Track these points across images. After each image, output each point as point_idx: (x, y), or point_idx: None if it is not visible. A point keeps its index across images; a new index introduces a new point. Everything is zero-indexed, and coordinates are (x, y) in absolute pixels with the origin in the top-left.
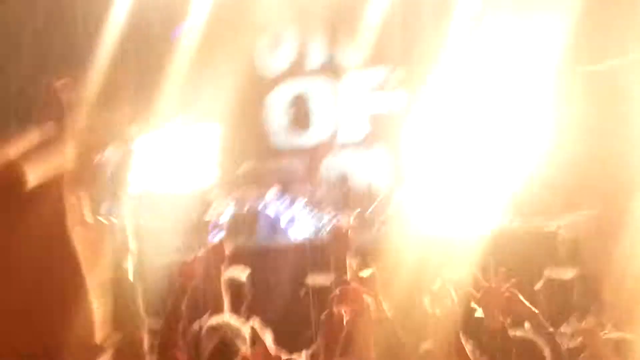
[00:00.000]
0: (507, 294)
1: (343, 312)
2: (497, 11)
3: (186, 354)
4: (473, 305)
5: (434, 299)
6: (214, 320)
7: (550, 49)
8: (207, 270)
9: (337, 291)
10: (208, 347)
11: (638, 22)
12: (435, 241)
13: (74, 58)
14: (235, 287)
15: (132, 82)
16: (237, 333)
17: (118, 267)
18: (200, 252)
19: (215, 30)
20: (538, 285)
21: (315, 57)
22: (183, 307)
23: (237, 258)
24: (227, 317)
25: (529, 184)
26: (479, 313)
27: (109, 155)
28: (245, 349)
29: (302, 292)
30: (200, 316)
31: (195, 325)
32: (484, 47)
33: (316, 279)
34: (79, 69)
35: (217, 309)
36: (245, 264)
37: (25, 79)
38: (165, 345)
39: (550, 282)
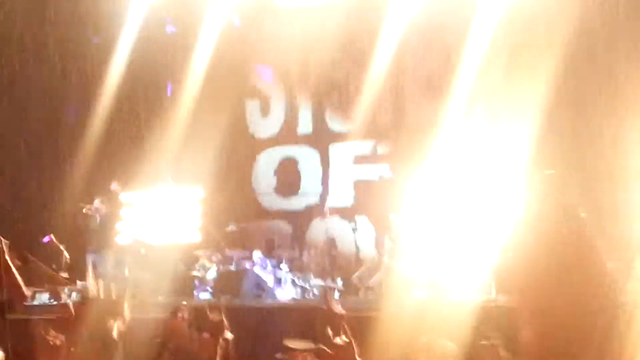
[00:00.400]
0: None
1: None
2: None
3: None
4: None
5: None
6: None
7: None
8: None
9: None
10: None
11: None
12: (421, 309)
13: (67, 113)
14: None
15: (122, 139)
16: None
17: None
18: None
19: (207, 92)
20: None
21: (304, 124)
22: None
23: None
24: None
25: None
26: None
27: (97, 207)
28: None
29: (279, 356)
30: None
31: None
32: (467, 128)
33: (296, 343)
34: (73, 124)
35: None
36: (230, 322)
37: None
38: None
39: None
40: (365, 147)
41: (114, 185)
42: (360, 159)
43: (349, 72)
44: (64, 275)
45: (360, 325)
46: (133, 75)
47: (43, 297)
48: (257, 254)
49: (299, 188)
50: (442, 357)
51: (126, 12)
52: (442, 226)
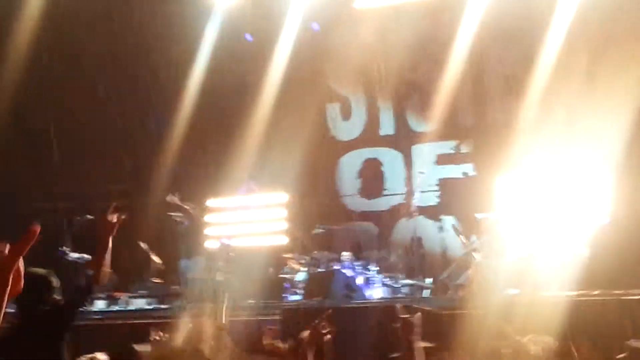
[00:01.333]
0: None
1: None
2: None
3: None
4: None
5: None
6: None
7: None
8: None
9: None
10: None
11: None
12: (512, 306)
13: (151, 127)
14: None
15: (206, 146)
16: None
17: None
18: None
19: (287, 98)
20: (621, 356)
21: (386, 125)
22: None
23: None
24: None
25: (605, 254)
26: None
27: (185, 214)
28: None
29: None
30: None
31: None
32: (549, 125)
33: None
34: (155, 138)
35: None
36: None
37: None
38: None
39: (636, 352)
40: (448, 146)
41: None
42: (443, 159)
43: (429, 72)
44: (156, 281)
45: (451, 323)
46: (214, 83)
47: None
48: (345, 255)
49: (383, 189)
50: (539, 354)
51: (205, 21)
52: (530, 223)
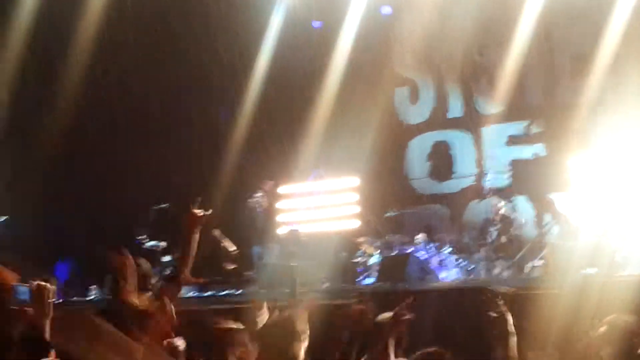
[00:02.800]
0: None
1: None
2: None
3: None
4: None
5: (594, 343)
6: None
7: None
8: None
9: None
10: None
11: None
12: (589, 286)
13: (220, 116)
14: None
15: (277, 133)
16: None
17: None
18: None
19: (356, 82)
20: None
21: (454, 108)
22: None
23: (390, 300)
24: None
25: None
26: None
27: (258, 200)
28: None
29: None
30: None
31: None
32: (622, 98)
33: None
34: (225, 126)
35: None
36: (397, 306)
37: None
38: None
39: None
40: (518, 127)
41: (265, 183)
42: (514, 140)
43: (496, 54)
44: (231, 266)
45: (526, 304)
46: (282, 70)
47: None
48: (419, 238)
49: (452, 171)
50: (622, 333)
51: (272, 8)
52: (604, 202)
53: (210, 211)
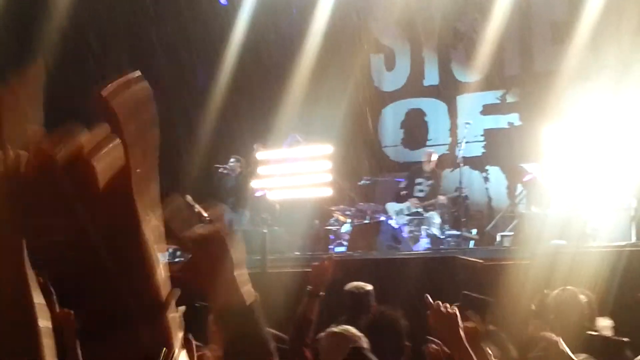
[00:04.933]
0: None
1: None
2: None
3: None
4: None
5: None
6: (339, 328)
7: None
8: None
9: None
10: (338, 354)
11: None
12: (558, 257)
13: (196, 81)
14: (360, 296)
15: (251, 98)
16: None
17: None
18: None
19: (331, 49)
20: None
21: (430, 75)
22: (314, 315)
23: (359, 268)
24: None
25: None
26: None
27: (232, 167)
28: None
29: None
30: (325, 324)
31: (324, 333)
32: (600, 68)
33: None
34: (201, 92)
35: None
36: (368, 275)
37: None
38: (293, 353)
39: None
40: (493, 96)
41: (256, 146)
42: (489, 109)
43: (474, 21)
44: None
45: (497, 274)
46: (258, 36)
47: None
48: (391, 207)
49: (426, 140)
50: (582, 307)
51: None
52: (577, 172)
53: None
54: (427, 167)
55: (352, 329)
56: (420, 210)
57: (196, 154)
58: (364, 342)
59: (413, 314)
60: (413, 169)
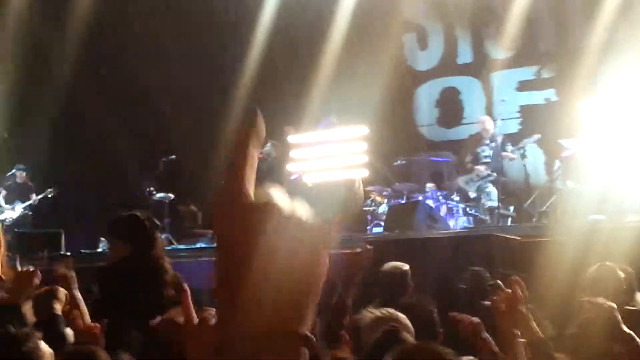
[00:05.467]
0: None
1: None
2: None
3: (349, 346)
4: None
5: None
6: (377, 311)
7: None
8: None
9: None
10: (373, 337)
11: None
12: (597, 233)
13: (227, 65)
14: (397, 277)
15: (284, 82)
16: (403, 323)
17: None
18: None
19: (363, 29)
20: None
21: (464, 53)
22: (350, 300)
23: (397, 248)
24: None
25: None
26: None
27: (267, 151)
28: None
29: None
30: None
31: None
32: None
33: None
34: (232, 76)
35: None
36: (404, 254)
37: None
38: (331, 337)
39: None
40: (528, 73)
41: (287, 129)
42: (524, 85)
43: None
44: None
45: (534, 251)
46: (289, 18)
47: None
48: (428, 186)
49: (462, 118)
50: (620, 282)
51: None
52: (614, 147)
53: None
54: (485, 134)
55: (395, 312)
56: (490, 172)
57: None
58: (406, 324)
59: (446, 293)
60: (470, 141)
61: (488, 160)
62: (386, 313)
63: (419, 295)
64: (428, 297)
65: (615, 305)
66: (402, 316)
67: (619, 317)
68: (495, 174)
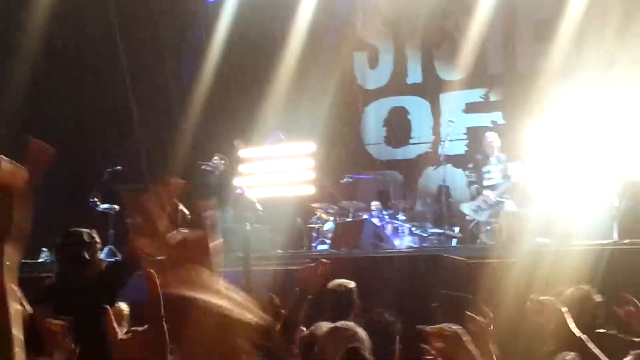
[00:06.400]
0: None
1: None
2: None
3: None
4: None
5: (541, 310)
6: (340, 323)
7: None
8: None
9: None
10: (335, 351)
11: None
12: (543, 255)
13: (178, 79)
14: (343, 295)
15: (233, 96)
16: (360, 336)
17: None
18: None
19: (314, 46)
20: None
21: (414, 73)
22: (301, 315)
23: (342, 267)
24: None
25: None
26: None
27: (215, 164)
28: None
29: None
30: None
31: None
32: (583, 67)
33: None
34: (185, 90)
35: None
36: (351, 272)
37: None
38: (281, 350)
39: None
40: (476, 94)
41: (236, 143)
42: (471, 107)
43: (458, 19)
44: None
45: (479, 273)
46: (242, 33)
47: None
48: (374, 205)
49: (409, 138)
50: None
51: None
52: (560, 170)
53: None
54: (491, 152)
55: (353, 325)
56: (499, 199)
57: (180, 151)
58: (364, 339)
59: (398, 313)
60: (478, 160)
61: (492, 182)
62: (345, 326)
63: (377, 310)
64: (389, 312)
65: (566, 308)
66: (359, 329)
67: (570, 319)
68: (504, 201)
